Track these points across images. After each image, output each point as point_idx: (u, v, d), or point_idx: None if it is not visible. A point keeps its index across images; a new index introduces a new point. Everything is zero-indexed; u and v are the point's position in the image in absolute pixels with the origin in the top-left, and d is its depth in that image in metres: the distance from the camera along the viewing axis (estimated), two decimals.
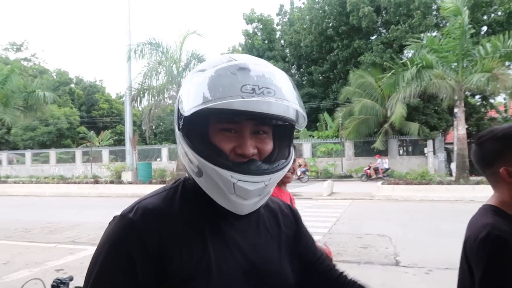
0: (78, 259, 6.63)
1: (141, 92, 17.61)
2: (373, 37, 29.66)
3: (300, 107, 0.80)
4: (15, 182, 20.65)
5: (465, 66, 14.42)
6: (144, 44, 17.07)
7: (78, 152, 32.89)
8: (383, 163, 22.33)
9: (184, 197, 0.87)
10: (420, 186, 13.54)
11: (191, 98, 0.78)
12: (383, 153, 25.71)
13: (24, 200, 16.05)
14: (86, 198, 16.27)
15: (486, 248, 1.08)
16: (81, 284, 2.11)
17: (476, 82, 12.77)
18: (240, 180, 0.78)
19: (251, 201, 0.81)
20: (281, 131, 0.90)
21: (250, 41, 35.12)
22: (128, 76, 18.69)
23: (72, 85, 47.50)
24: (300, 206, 11.34)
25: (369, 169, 22.28)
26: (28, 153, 34.28)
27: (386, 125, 24.08)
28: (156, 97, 17.50)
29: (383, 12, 28.26)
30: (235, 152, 0.80)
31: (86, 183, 18.38)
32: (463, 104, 14.97)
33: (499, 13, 25.15)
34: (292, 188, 17.11)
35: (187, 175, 0.91)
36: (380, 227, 8.52)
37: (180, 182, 0.92)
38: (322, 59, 31.34)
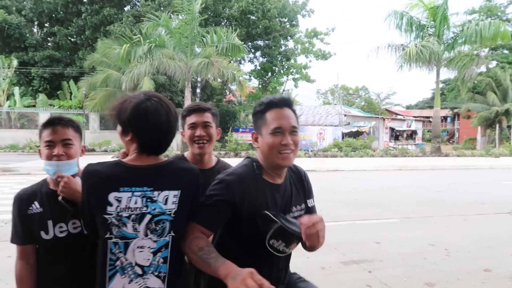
0: None
1: None
2: (126, 8, 28.88)
3: None
4: None
5: (198, 51, 15.83)
6: None
7: None
8: None
9: None
10: None
11: None
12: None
13: None
14: None
15: None
16: None
17: (197, 66, 14.23)
18: None
19: None
20: None
21: None
22: None
23: None
24: (9, 182, 9.82)
25: None
26: None
27: None
28: None
29: None
30: None
31: None
32: (190, 85, 16.45)
33: (235, 9, 28.89)
34: (13, 162, 14.88)
35: None
36: None
37: None
38: (69, 21, 28.29)
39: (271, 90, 30.19)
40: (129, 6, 29.78)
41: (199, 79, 25.97)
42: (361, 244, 5.48)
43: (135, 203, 1.40)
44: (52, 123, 1.72)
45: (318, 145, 24.44)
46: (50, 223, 1.70)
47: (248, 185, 1.51)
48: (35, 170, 13.37)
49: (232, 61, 18.65)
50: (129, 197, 1.39)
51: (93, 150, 23.22)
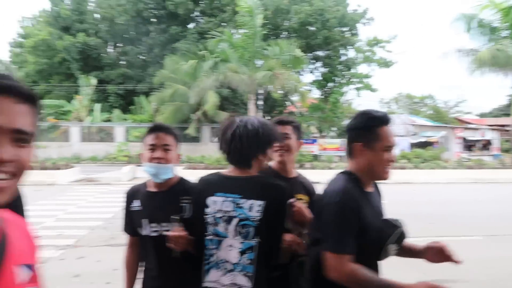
0: None
1: None
2: (190, 26, 30.31)
3: None
4: None
5: (257, 63, 16.14)
6: None
7: None
8: None
9: None
10: (217, 170, 14.60)
11: None
12: (196, 139, 26.69)
13: None
14: None
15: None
16: None
17: (261, 78, 14.49)
18: None
19: None
20: None
21: (56, 8, 31.09)
22: None
23: None
24: (92, 192, 10.59)
25: None
26: None
27: (198, 113, 25.06)
28: None
29: (200, 2, 29.13)
30: None
31: None
32: (253, 97, 16.76)
33: (294, 21, 29.05)
34: (94, 173, 16.09)
35: None
36: None
37: None
38: (139, 40, 30.29)
39: (332, 100, 29.77)
40: (193, 23, 31.19)
41: (260, 91, 26.40)
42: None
43: (227, 207, 1.66)
44: (156, 129, 1.90)
45: None
46: (145, 221, 1.86)
47: (358, 198, 1.58)
48: (114, 181, 14.34)
49: (293, 73, 18.71)
50: (222, 201, 1.67)
51: None
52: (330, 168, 16.04)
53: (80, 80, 27.58)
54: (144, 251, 1.93)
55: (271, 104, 31.69)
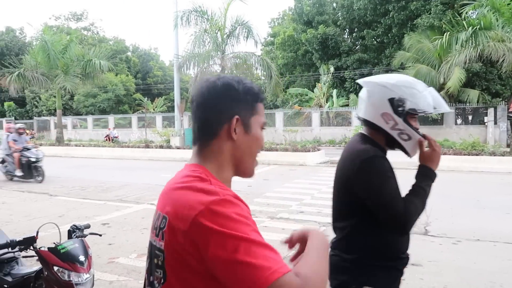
0: (122, 215, 7.26)
1: (188, 60, 18.02)
2: None
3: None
4: (76, 145, 22.36)
5: None
6: (190, 12, 17.30)
7: (134, 118, 34.53)
8: (113, 133, 28.18)
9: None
10: (470, 156, 12.82)
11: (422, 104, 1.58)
12: (439, 122, 24.36)
13: (83, 161, 17.46)
14: (137, 161, 17.33)
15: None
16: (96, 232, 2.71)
17: None
18: None
19: None
20: None
21: (299, 5, 34.06)
22: (175, 44, 19.10)
23: (129, 53, 49.43)
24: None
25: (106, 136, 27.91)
26: (90, 118, 36.63)
27: (442, 92, 22.70)
28: (201, 65, 17.84)
29: None
30: None
31: (138, 147, 19.46)
32: None
33: None
34: (335, 156, 16.92)
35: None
36: None
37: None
38: (376, 22, 29.74)
39: None
40: None
41: None
42: None
43: None
44: None
45: None
46: None
47: None
48: None
49: None
50: None
51: None
52: None
53: (320, 69, 29.57)
54: None
55: None
